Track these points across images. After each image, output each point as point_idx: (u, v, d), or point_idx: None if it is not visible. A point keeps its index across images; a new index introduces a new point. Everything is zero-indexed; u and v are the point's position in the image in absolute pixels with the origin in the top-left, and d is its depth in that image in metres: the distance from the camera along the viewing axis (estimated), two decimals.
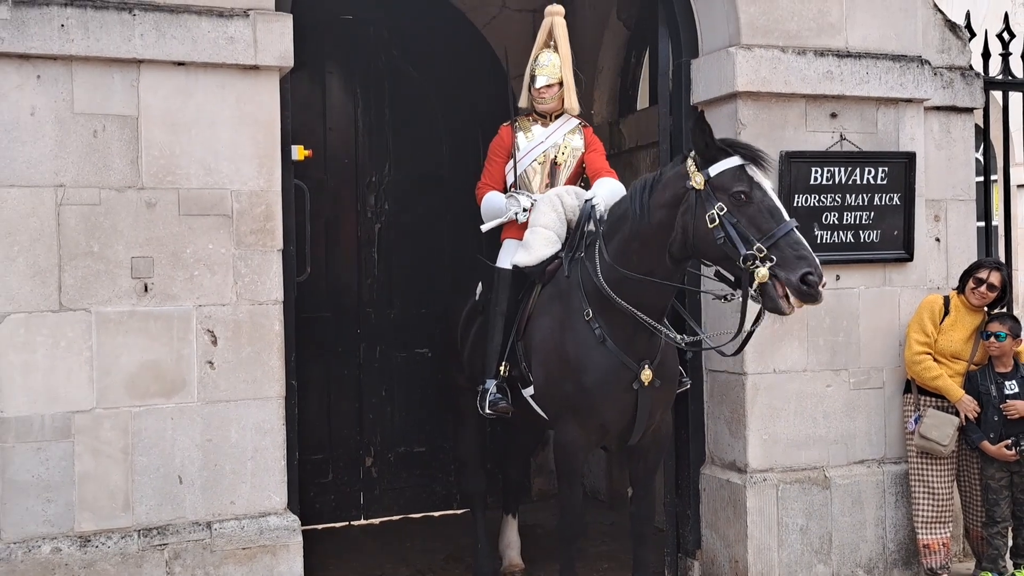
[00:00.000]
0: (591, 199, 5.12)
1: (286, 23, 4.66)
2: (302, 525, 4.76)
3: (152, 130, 4.47)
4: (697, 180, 4.38)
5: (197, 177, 4.54)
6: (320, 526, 7.03)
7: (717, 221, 4.30)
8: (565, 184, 5.42)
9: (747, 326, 4.43)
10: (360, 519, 7.33)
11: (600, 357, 4.72)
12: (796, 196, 5.46)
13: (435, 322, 6.99)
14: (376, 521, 7.32)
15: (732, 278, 4.41)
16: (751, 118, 5.44)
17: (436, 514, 7.42)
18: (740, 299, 4.35)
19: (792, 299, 4.14)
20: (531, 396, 5.04)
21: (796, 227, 4.24)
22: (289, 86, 4.87)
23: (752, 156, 4.36)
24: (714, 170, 4.35)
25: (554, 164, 5.45)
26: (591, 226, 4.97)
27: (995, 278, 5.49)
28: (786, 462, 5.52)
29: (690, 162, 4.44)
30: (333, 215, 7.26)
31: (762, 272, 4.13)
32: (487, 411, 5.12)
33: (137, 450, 4.46)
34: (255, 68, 4.61)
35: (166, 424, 4.49)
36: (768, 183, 4.36)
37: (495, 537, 6.11)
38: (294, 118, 4.96)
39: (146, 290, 4.46)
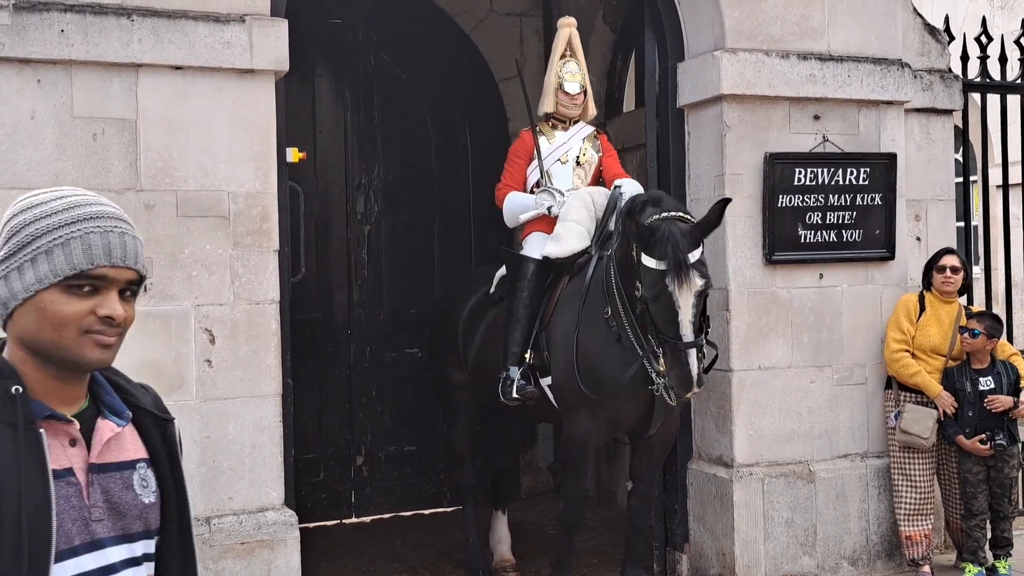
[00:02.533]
0: (619, 186, 5.26)
1: (281, 28, 4.75)
2: (297, 521, 4.83)
3: (150, 133, 4.55)
4: (632, 251, 4.65)
5: (195, 179, 4.62)
6: (312, 524, 7.08)
7: (639, 292, 4.59)
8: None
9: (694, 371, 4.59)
10: (351, 517, 7.39)
11: (617, 353, 4.82)
12: (780, 196, 5.59)
13: (428, 319, 7.06)
14: (367, 519, 7.39)
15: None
16: (736, 120, 5.56)
17: (427, 512, 7.50)
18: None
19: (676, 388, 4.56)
20: (549, 386, 5.14)
21: (691, 347, 4.49)
22: (283, 89, 4.96)
23: (673, 264, 4.46)
24: (644, 257, 4.56)
25: (577, 165, 5.57)
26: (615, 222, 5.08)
27: (953, 260, 5.66)
28: (771, 457, 5.63)
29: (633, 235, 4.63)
30: (323, 217, 7.32)
31: (661, 362, 4.59)
32: (514, 396, 5.14)
33: None
34: (251, 72, 4.69)
35: None
36: (689, 290, 4.48)
37: (485, 532, 6.20)
38: (284, 120, 5.04)
39: (145, 290, 4.54)
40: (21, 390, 1.64)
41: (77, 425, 1.70)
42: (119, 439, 1.75)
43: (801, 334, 5.69)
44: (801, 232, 5.65)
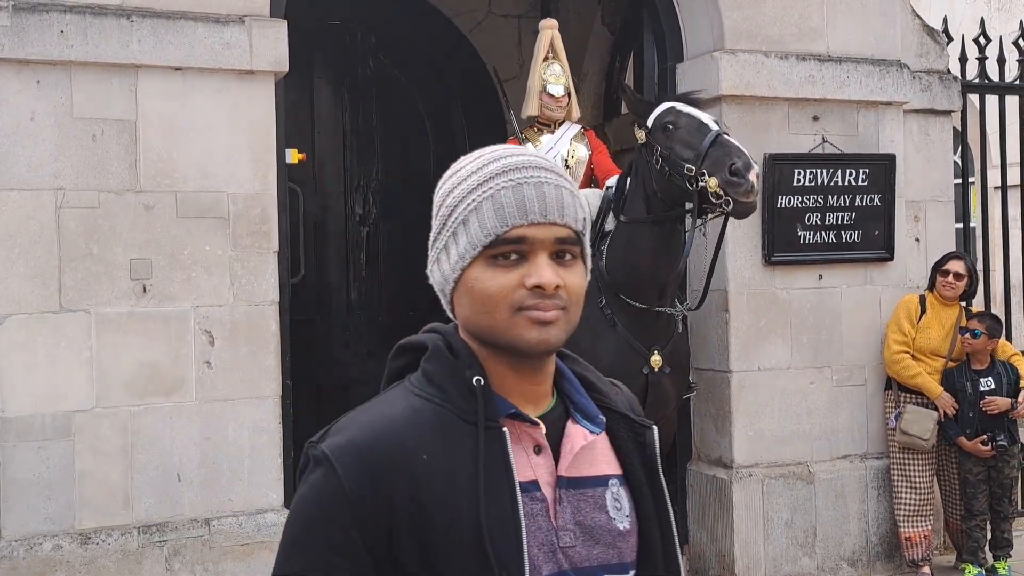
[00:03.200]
0: (611, 186, 5.27)
1: (281, 29, 4.75)
2: None
3: (150, 134, 4.55)
4: (640, 136, 4.66)
5: (194, 180, 4.62)
6: None
7: (661, 161, 4.52)
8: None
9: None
10: None
11: (610, 341, 4.83)
12: (779, 197, 5.58)
13: (426, 322, 7.05)
14: None
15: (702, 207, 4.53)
16: (735, 121, 5.56)
17: None
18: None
19: (731, 192, 4.27)
20: None
21: (724, 133, 4.41)
22: (283, 90, 4.95)
23: (680, 97, 4.62)
24: (649, 121, 4.61)
25: (565, 167, 5.56)
26: (610, 219, 5.10)
27: (959, 267, 5.65)
28: (771, 458, 5.63)
29: (636, 127, 4.69)
30: (321, 219, 7.33)
31: (712, 183, 4.29)
32: None
33: (136, 448, 4.52)
34: (251, 73, 4.69)
35: (165, 423, 4.56)
36: (699, 112, 4.54)
37: None
38: (283, 122, 5.04)
39: (144, 291, 4.53)
40: (483, 381, 1.39)
41: (543, 429, 1.41)
42: (590, 449, 1.45)
43: (800, 335, 5.69)
44: (800, 233, 5.65)
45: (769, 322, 5.62)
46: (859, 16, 5.83)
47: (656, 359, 4.82)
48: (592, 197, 5.31)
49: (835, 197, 5.71)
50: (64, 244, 4.42)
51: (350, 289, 7.49)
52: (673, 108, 4.59)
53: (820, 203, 5.68)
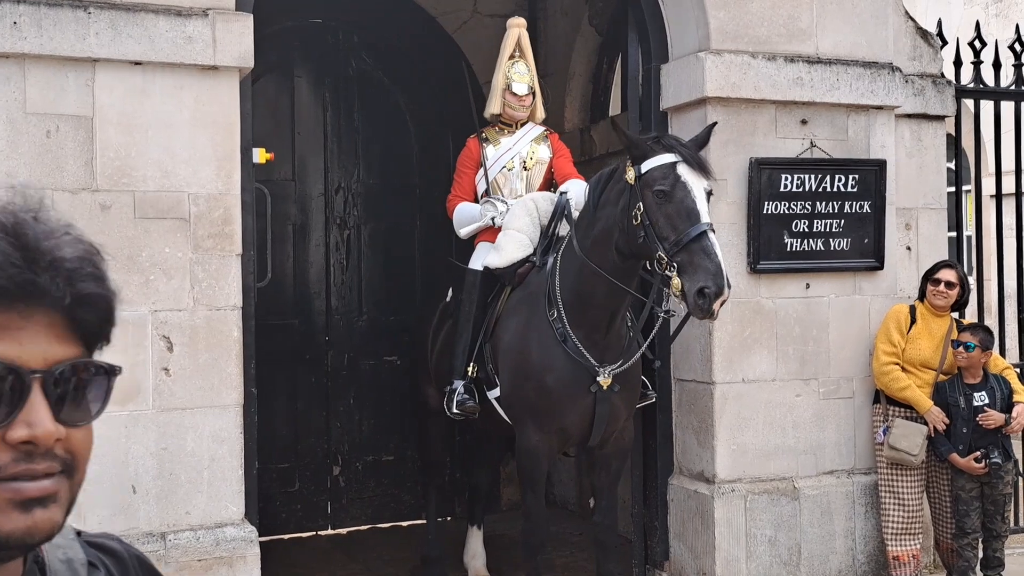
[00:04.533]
0: (565, 192, 5.15)
1: (246, 23, 4.57)
2: (268, 535, 4.67)
3: (107, 131, 4.37)
4: (630, 175, 4.37)
5: (154, 179, 4.44)
6: (286, 536, 6.92)
7: (639, 219, 4.27)
8: (537, 191, 5.42)
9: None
10: (327, 529, 7.22)
11: (558, 358, 4.68)
12: (766, 203, 5.41)
13: (404, 330, 6.92)
14: (343, 531, 7.22)
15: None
16: (721, 124, 5.37)
17: (405, 524, 7.32)
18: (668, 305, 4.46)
19: (690, 307, 4.11)
20: (496, 399, 5.01)
21: (711, 230, 4.14)
22: (250, 87, 4.78)
23: (686, 156, 4.29)
24: (646, 166, 4.32)
25: (523, 170, 5.45)
26: (564, 226, 4.97)
27: (950, 275, 5.48)
28: (755, 472, 5.45)
29: (629, 164, 4.42)
30: (301, 221, 7.17)
31: (675, 284, 4.11)
32: (454, 411, 5.08)
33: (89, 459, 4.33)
34: (214, 68, 4.51)
35: (119, 432, 4.38)
36: (699, 184, 4.27)
37: (460, 547, 6.04)
38: (262, 122, 4.88)
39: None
40: None
41: None
42: None
43: (786, 346, 5.52)
44: (787, 240, 5.47)
45: (754, 332, 5.44)
46: (850, 17, 5.66)
47: (605, 379, 4.66)
48: (542, 203, 5.20)
49: (823, 204, 5.54)
50: None
51: (330, 292, 7.33)
52: (674, 170, 4.25)
53: (808, 210, 5.51)
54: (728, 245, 5.37)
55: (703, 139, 4.55)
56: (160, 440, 4.44)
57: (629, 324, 4.81)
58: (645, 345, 4.86)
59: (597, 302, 4.61)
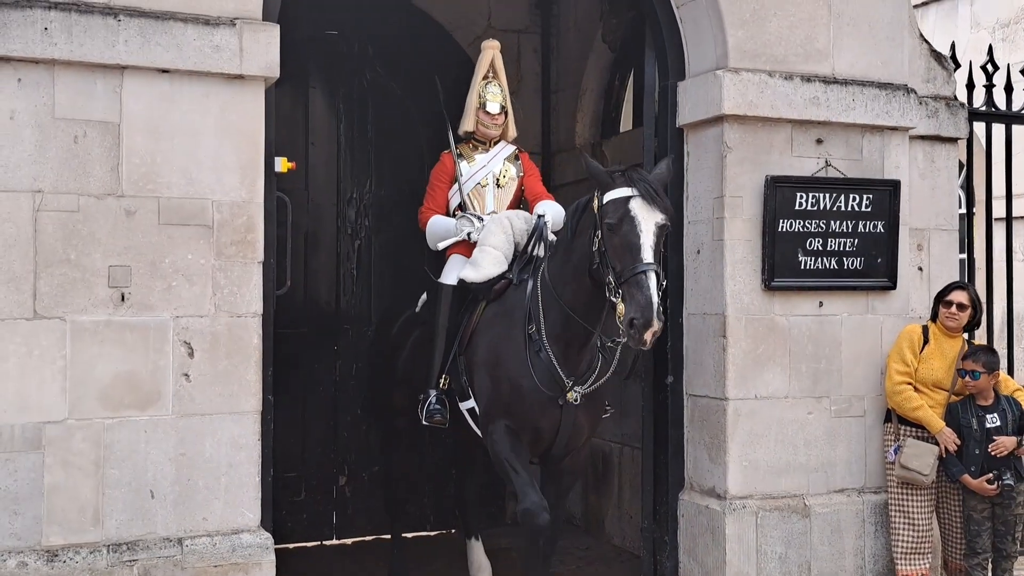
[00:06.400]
0: (542, 215, 5.33)
1: (273, 33, 4.61)
2: (273, 544, 4.66)
3: (134, 137, 4.40)
4: (594, 205, 4.60)
5: (178, 186, 4.47)
6: (292, 545, 6.91)
7: (596, 248, 4.51)
8: (507, 208, 5.64)
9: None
10: (332, 539, 7.22)
11: (535, 366, 4.84)
12: (781, 221, 5.45)
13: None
14: (348, 541, 7.22)
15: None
16: (737, 141, 5.43)
17: (410, 535, 7.30)
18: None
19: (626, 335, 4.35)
20: (468, 410, 5.17)
21: (650, 269, 4.32)
22: (273, 97, 4.81)
23: (643, 191, 4.48)
24: (605, 198, 4.54)
25: (496, 187, 5.67)
26: (541, 248, 5.16)
27: (962, 297, 5.53)
28: (766, 489, 5.47)
29: (597, 193, 4.63)
30: (313, 230, 7.20)
31: (620, 310, 4.34)
32: (423, 421, 5.29)
33: (109, 463, 4.36)
34: (240, 77, 4.55)
35: (139, 437, 4.39)
36: (651, 219, 4.43)
37: (463, 558, 6.06)
38: (276, 131, 4.90)
39: (123, 299, 4.38)
40: None
41: None
42: None
43: (799, 363, 5.54)
44: (801, 258, 5.51)
45: (767, 349, 5.47)
46: (866, 38, 5.71)
47: (572, 394, 4.84)
48: (517, 221, 5.40)
49: (837, 222, 5.58)
50: (41, 249, 4.27)
51: (340, 302, 7.35)
52: (625, 204, 4.45)
53: (822, 228, 5.55)
54: (743, 262, 5.43)
55: (665, 174, 4.74)
56: (179, 445, 4.46)
57: (600, 345, 4.97)
58: (613, 367, 5.00)
59: (574, 322, 4.78)
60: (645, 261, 4.34)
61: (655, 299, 4.27)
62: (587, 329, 4.80)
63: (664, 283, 4.53)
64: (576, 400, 4.86)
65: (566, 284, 4.80)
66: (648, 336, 4.27)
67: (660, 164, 4.90)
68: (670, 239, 5.20)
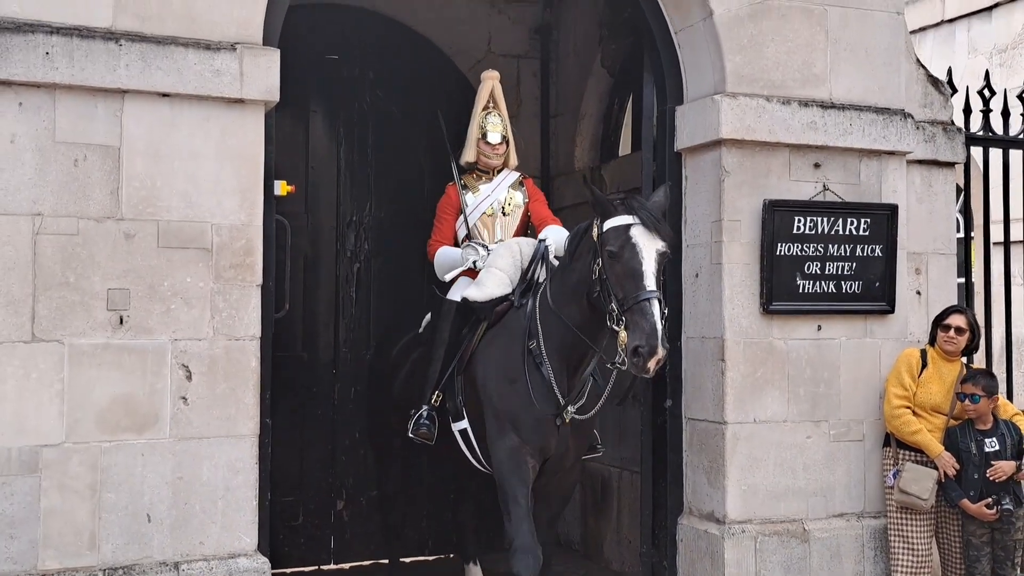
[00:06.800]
0: (544, 239, 5.38)
1: (273, 57, 4.64)
2: (270, 568, 4.65)
3: (134, 161, 4.42)
4: (594, 233, 4.63)
5: (178, 209, 4.49)
6: (289, 570, 6.88)
7: (597, 274, 4.53)
8: (513, 235, 5.69)
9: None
10: (330, 563, 7.18)
11: (539, 378, 4.86)
12: (779, 245, 5.47)
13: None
14: (346, 566, 7.18)
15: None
16: (735, 165, 5.45)
17: (408, 560, 7.28)
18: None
19: (629, 363, 4.36)
20: (460, 431, 5.19)
21: (653, 297, 4.35)
22: (274, 121, 4.83)
23: (644, 218, 4.51)
24: (606, 226, 4.57)
25: (502, 215, 5.71)
26: (543, 271, 5.19)
27: (960, 321, 5.54)
28: (765, 514, 5.46)
29: (596, 222, 4.66)
30: (312, 253, 7.21)
31: (622, 337, 4.35)
32: (410, 434, 5.31)
33: (106, 487, 4.35)
34: (240, 102, 4.58)
35: (136, 460, 4.39)
36: (652, 246, 4.47)
37: None
38: (276, 155, 4.92)
39: (121, 322, 4.38)
40: None
41: None
42: None
43: (798, 387, 5.54)
44: (799, 282, 5.52)
45: (766, 373, 5.47)
46: (863, 64, 5.74)
47: (568, 412, 4.86)
48: (526, 246, 5.47)
49: (835, 246, 5.60)
50: (40, 272, 4.28)
51: (338, 325, 7.35)
52: (626, 231, 4.49)
53: (820, 252, 5.57)
54: (741, 285, 5.43)
55: (663, 201, 4.81)
56: (176, 469, 4.45)
57: (591, 372, 4.99)
58: (604, 397, 5.02)
59: (569, 343, 4.82)
60: (648, 289, 4.36)
61: (659, 327, 4.29)
62: (586, 346, 4.81)
63: (666, 310, 4.53)
64: (567, 418, 4.87)
65: (566, 305, 4.83)
66: (652, 364, 4.29)
67: (658, 191, 4.95)
68: (669, 264, 5.21)
